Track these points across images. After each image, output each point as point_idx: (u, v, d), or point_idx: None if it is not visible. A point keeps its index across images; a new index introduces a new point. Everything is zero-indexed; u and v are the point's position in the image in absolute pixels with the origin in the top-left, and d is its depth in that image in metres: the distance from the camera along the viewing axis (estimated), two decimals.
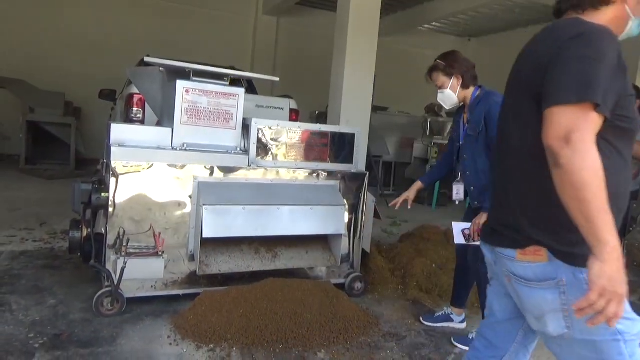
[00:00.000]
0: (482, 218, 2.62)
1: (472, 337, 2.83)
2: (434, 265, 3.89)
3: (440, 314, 3.16)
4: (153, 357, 2.41)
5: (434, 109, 9.34)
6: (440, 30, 13.83)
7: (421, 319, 3.16)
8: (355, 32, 6.80)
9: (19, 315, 2.71)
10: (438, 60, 2.78)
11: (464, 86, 2.74)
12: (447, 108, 2.87)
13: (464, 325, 3.12)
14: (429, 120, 8.91)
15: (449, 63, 2.73)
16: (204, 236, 2.87)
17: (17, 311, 2.76)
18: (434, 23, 12.90)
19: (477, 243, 2.67)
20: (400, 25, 12.13)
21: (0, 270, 3.40)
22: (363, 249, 3.61)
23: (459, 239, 2.77)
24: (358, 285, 3.49)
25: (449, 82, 2.73)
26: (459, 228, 2.76)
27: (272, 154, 3.23)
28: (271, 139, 3.21)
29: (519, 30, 12.88)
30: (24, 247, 4.00)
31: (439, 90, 2.78)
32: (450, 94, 2.75)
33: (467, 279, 3.03)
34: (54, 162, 9.00)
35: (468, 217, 2.80)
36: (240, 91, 3.16)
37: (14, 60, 9.64)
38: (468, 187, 2.79)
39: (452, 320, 3.11)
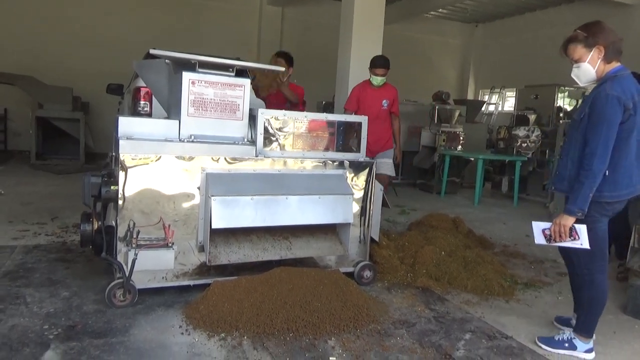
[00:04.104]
0: (564, 220, 2.46)
1: (559, 339, 2.68)
2: (442, 253, 3.89)
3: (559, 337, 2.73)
4: (165, 346, 2.44)
5: (442, 97, 9.29)
6: (447, 17, 13.71)
7: (537, 340, 2.76)
8: (361, 21, 6.76)
9: (34, 307, 2.75)
10: (578, 30, 2.47)
11: (606, 60, 2.45)
12: (582, 85, 2.57)
13: (592, 356, 2.66)
14: (437, 108, 8.86)
15: (592, 32, 2.44)
16: (213, 227, 2.89)
17: (32, 303, 2.81)
18: (440, 9, 12.79)
19: (560, 244, 2.53)
20: (406, 12, 12.03)
21: (14, 263, 3.45)
22: (372, 238, 3.61)
23: (539, 239, 2.60)
24: (367, 273, 3.50)
25: (589, 54, 2.45)
26: (539, 228, 2.61)
27: (279, 144, 3.23)
28: (278, 129, 3.22)
29: (527, 15, 12.73)
30: (36, 240, 4.06)
31: (574, 65, 2.50)
32: (587, 69, 2.47)
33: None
34: (64, 156, 9.11)
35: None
36: (246, 82, 3.16)
37: (22, 56, 9.71)
38: (554, 171, 2.63)
39: (575, 348, 2.66)
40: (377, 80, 4.97)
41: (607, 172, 2.42)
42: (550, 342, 2.72)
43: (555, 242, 2.52)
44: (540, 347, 2.71)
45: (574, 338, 2.67)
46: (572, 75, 2.55)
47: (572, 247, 2.52)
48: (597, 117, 2.40)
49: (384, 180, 4.91)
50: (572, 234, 2.47)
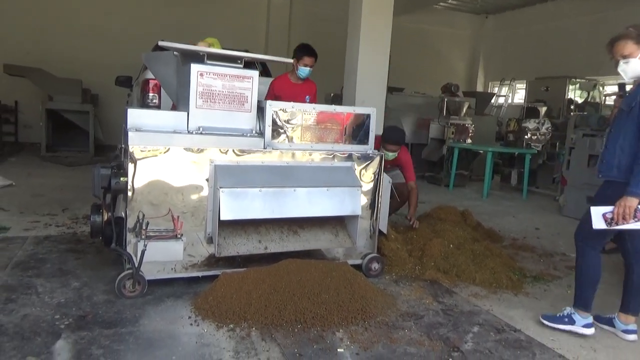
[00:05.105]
0: (629, 202, 2.50)
1: (560, 315, 2.83)
2: (451, 246, 3.88)
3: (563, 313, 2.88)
4: (174, 337, 2.46)
5: (450, 89, 9.23)
6: (457, 8, 13.58)
7: (540, 317, 2.93)
8: (370, 12, 6.70)
9: (45, 298, 2.79)
10: (630, 29, 2.63)
11: None
12: (627, 80, 2.73)
13: (590, 331, 2.79)
14: (446, 100, 8.79)
15: None
16: (221, 218, 2.90)
17: (43, 293, 2.84)
18: (449, 0, 12.66)
19: (622, 226, 2.56)
20: (416, 3, 11.92)
21: (25, 254, 3.49)
22: (380, 230, 3.61)
23: (598, 224, 2.61)
24: (375, 265, 3.50)
25: (639, 51, 2.60)
26: (599, 212, 2.62)
27: (287, 136, 3.22)
28: (286, 121, 3.21)
29: (537, 6, 12.58)
30: (47, 232, 4.10)
31: (622, 60, 2.64)
32: (637, 64, 2.61)
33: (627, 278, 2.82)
34: (74, 148, 9.18)
35: (600, 194, 2.73)
36: (255, 73, 3.16)
37: (32, 49, 9.76)
38: (600, 159, 2.76)
39: (573, 322, 2.81)
40: (389, 156, 4.11)
41: None
42: (552, 318, 2.87)
43: (617, 225, 2.56)
44: (543, 323, 2.86)
45: (574, 313, 2.81)
46: (619, 70, 2.69)
47: (635, 228, 2.58)
48: None
49: (403, 190, 4.42)
50: (636, 214, 2.52)
